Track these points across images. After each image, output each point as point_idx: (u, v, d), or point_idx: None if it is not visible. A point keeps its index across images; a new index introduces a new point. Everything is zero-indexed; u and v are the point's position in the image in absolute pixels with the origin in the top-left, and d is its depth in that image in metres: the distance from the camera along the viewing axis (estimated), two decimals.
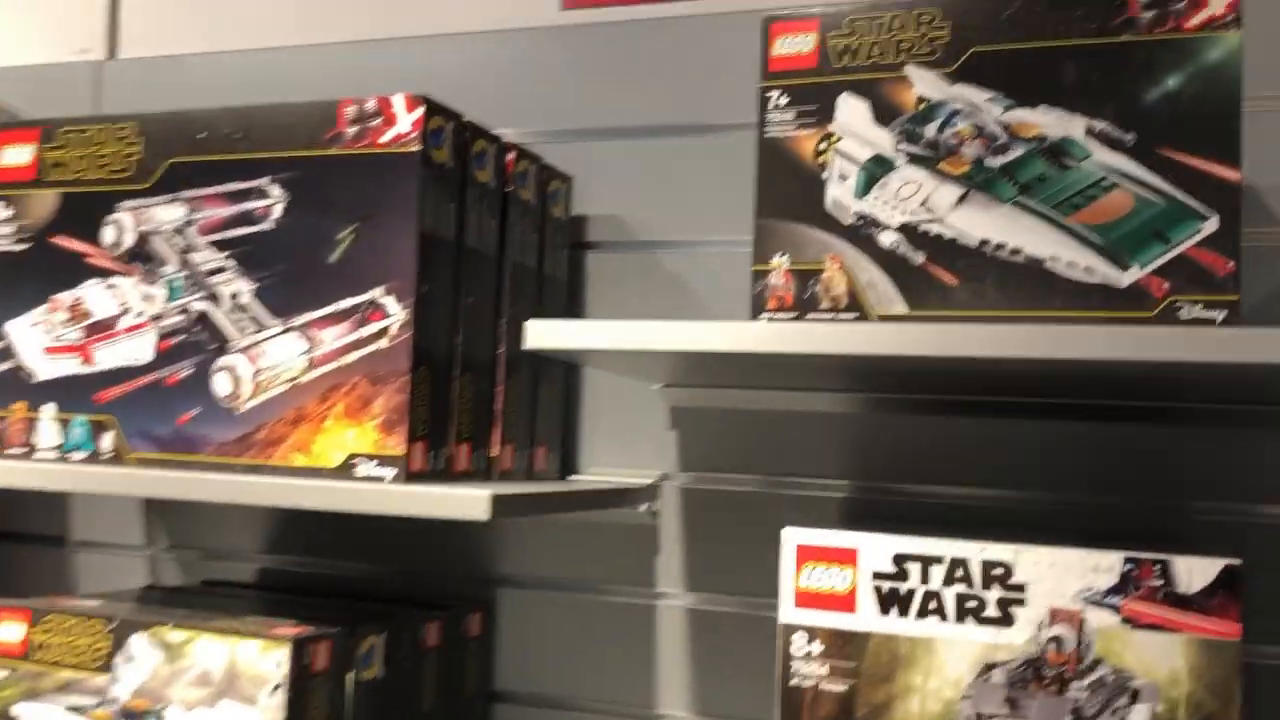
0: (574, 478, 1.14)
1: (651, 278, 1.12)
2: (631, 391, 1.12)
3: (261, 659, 0.87)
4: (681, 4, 1.14)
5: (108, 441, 0.95)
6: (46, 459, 0.96)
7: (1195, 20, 0.69)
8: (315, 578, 1.23)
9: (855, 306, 0.75)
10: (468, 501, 0.80)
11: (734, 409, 1.09)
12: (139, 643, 0.91)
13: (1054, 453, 0.99)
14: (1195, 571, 0.73)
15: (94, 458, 0.95)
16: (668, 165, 1.13)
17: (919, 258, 0.73)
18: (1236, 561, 0.72)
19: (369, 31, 1.26)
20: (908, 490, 1.03)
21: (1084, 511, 0.98)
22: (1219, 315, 0.67)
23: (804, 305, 0.76)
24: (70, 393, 0.96)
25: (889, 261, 0.74)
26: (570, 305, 1.15)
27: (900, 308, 0.74)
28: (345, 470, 0.87)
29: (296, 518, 1.24)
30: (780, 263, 0.77)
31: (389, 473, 0.86)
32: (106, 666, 0.92)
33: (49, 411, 0.97)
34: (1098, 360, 0.66)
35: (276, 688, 0.86)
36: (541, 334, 0.80)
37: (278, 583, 1.23)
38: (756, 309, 0.78)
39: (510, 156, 1.00)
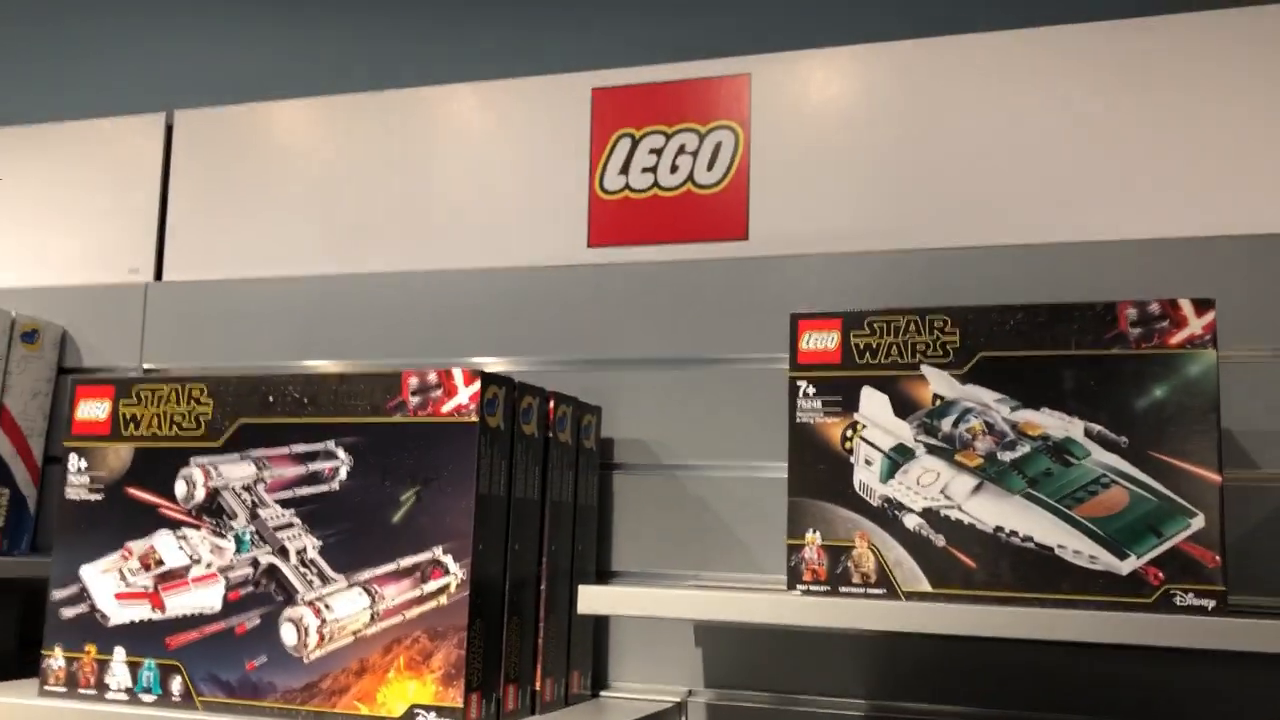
0: (605, 694, 1.20)
1: (674, 498, 1.21)
2: None
3: None
4: (709, 245, 1.25)
5: (177, 685, 1.01)
6: (118, 700, 1.02)
7: (1177, 338, 0.79)
8: None
9: (884, 583, 0.83)
10: None
11: (754, 627, 1.16)
12: None
13: (1054, 675, 1.06)
14: None
15: (164, 700, 1.01)
16: (687, 394, 1.22)
17: (940, 540, 0.82)
18: None
19: (404, 264, 1.36)
20: (918, 709, 1.10)
21: None
22: (1210, 604, 0.76)
23: (836, 579, 0.84)
24: (140, 637, 1.02)
25: (913, 542, 0.83)
26: (600, 523, 1.22)
27: (924, 585, 0.82)
28: None
29: None
30: (813, 538, 0.85)
31: None
32: None
33: (120, 655, 1.03)
34: (1105, 644, 0.75)
35: None
36: (593, 600, 0.88)
37: None
38: (793, 580, 0.86)
39: (550, 405, 1.09)
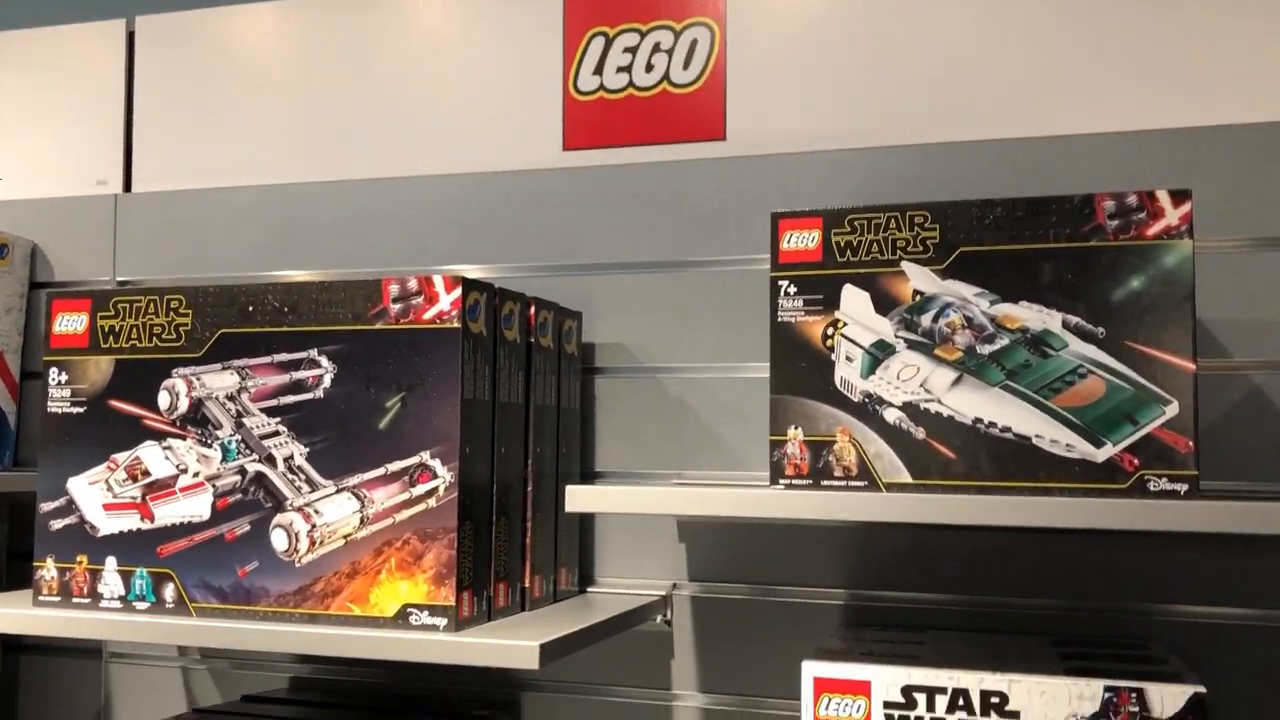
0: (592, 590, 1.23)
1: (655, 400, 1.22)
2: None
3: None
4: (686, 146, 1.24)
5: (170, 593, 1.02)
6: (112, 608, 1.03)
7: (1154, 229, 0.80)
8: (344, 685, 1.30)
9: (865, 475, 0.85)
10: (519, 652, 0.89)
11: (737, 522, 1.18)
12: None
13: (1035, 563, 1.10)
14: (1167, 699, 0.83)
15: (157, 607, 1.02)
16: (667, 297, 1.22)
17: (920, 433, 0.84)
18: (1203, 690, 0.83)
19: (378, 170, 1.34)
20: (897, 597, 1.13)
21: (1058, 616, 1.09)
22: (1182, 488, 0.78)
23: (818, 473, 0.86)
24: (131, 547, 1.03)
25: (894, 436, 0.84)
26: (583, 428, 1.24)
27: (905, 477, 0.84)
28: (401, 620, 0.95)
29: None
30: (795, 434, 0.86)
31: (441, 622, 0.94)
32: None
33: (111, 564, 1.04)
34: (1081, 529, 0.77)
35: None
36: (581, 499, 0.89)
37: (310, 694, 1.31)
38: (775, 475, 0.88)
39: (531, 311, 1.09)
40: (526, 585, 1.07)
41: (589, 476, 1.24)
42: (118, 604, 1.04)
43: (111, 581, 1.04)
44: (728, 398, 1.19)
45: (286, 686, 1.33)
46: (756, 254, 1.19)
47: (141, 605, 1.03)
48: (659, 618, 1.19)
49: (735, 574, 1.18)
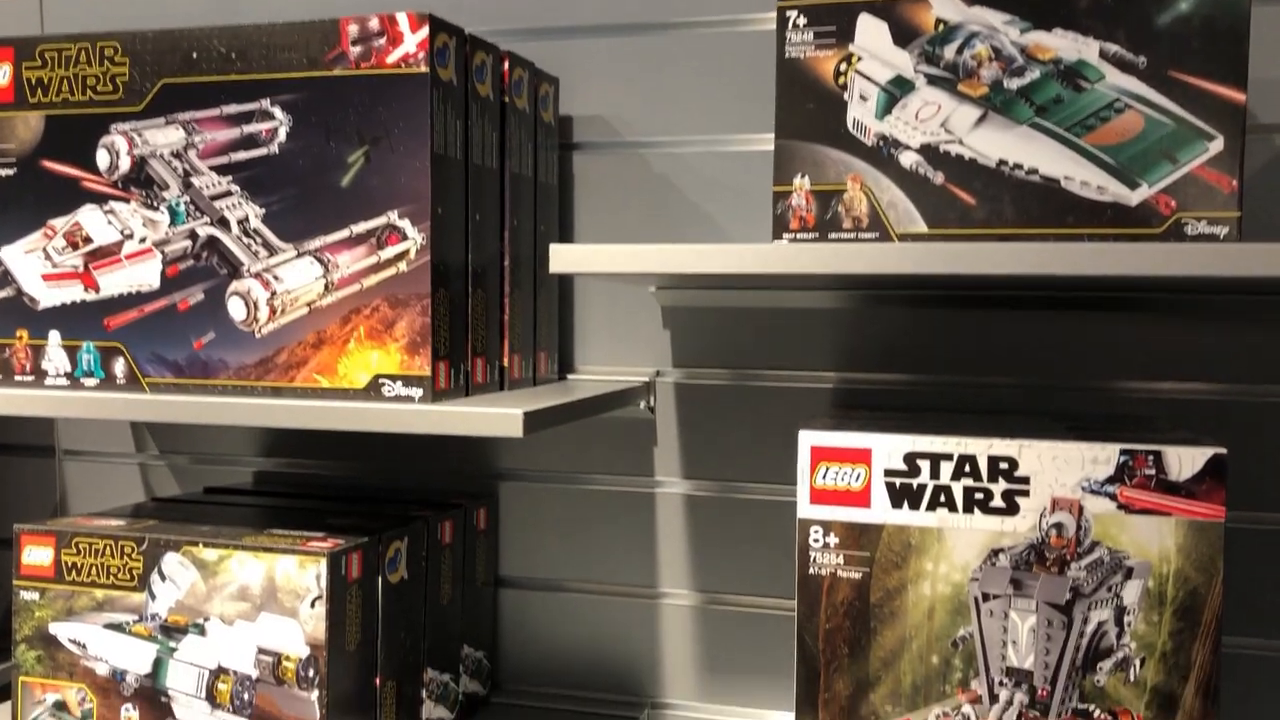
0: (572, 377, 1.17)
1: (638, 177, 1.14)
2: (624, 294, 1.15)
3: (300, 574, 0.90)
4: None
5: (120, 368, 0.95)
6: (59, 385, 0.96)
7: None
8: (310, 479, 1.25)
9: (877, 226, 0.78)
10: (503, 420, 0.83)
11: (723, 307, 1.12)
12: (172, 561, 0.93)
13: (1035, 341, 1.05)
14: (1185, 460, 0.80)
15: (107, 384, 0.95)
16: (650, 64, 1.13)
17: (938, 178, 0.77)
18: (1223, 450, 0.79)
19: None
20: (890, 379, 1.09)
21: (1065, 394, 1.05)
22: (1222, 231, 0.72)
23: (825, 225, 0.79)
24: (75, 319, 0.96)
25: (909, 182, 0.77)
26: (562, 208, 1.16)
27: (920, 227, 0.77)
28: (373, 391, 0.89)
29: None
30: (801, 184, 0.79)
31: (417, 392, 0.88)
32: (141, 585, 0.94)
33: (55, 339, 0.96)
34: (1109, 276, 0.71)
35: (317, 600, 0.90)
36: (566, 258, 0.82)
37: (274, 486, 1.26)
38: (779, 229, 0.81)
39: (505, 66, 0.99)
40: (505, 364, 1.01)
41: None
42: (64, 381, 0.97)
43: (56, 357, 0.97)
44: (716, 173, 1.11)
45: (250, 481, 1.27)
46: (747, 12, 1.09)
47: (90, 382, 0.96)
48: (642, 403, 1.14)
49: (720, 360, 1.13)
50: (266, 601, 0.91)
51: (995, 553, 0.83)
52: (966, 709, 0.84)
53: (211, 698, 0.92)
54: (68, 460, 1.33)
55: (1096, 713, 0.82)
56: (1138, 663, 0.81)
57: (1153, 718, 0.81)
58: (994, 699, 0.83)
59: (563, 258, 0.82)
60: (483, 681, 1.17)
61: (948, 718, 0.84)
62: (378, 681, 0.97)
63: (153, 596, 0.94)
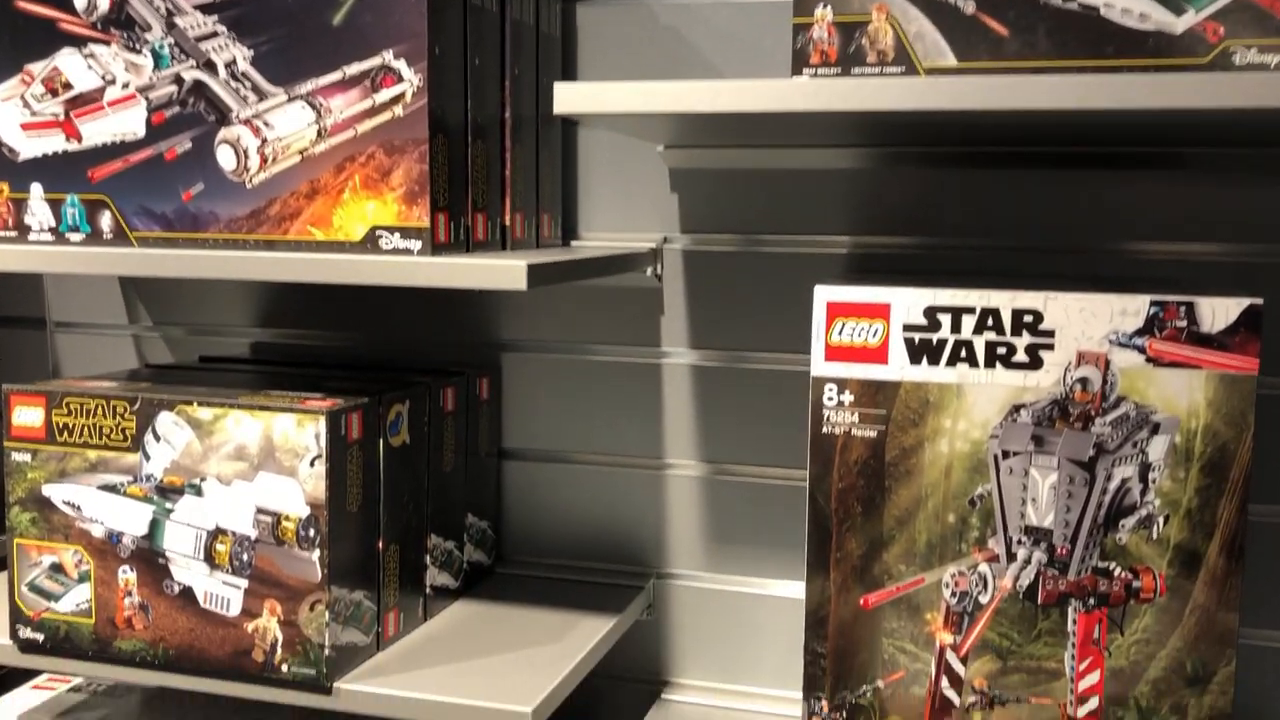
0: (576, 243, 1.13)
1: (645, 30, 1.08)
2: (630, 155, 1.10)
3: (299, 432, 0.87)
4: None
5: (107, 221, 0.91)
6: (43, 240, 0.93)
7: None
8: (309, 349, 1.22)
9: (903, 60, 0.74)
10: (506, 272, 0.79)
11: (733, 169, 1.08)
12: (166, 421, 0.91)
13: (1057, 203, 1.01)
14: (1218, 311, 0.76)
15: (94, 238, 0.92)
16: None
17: (969, 6, 0.72)
18: (1259, 301, 0.75)
19: None
20: (904, 243, 1.05)
21: (1091, 260, 1.01)
22: (1274, 60, 0.68)
23: (848, 60, 0.75)
24: (58, 171, 0.91)
25: (938, 11, 0.73)
26: (564, 63, 1.11)
27: (949, 60, 0.73)
28: (370, 244, 0.85)
29: (287, 291, 1.22)
30: (823, 14, 0.74)
31: (415, 245, 0.84)
32: (135, 446, 0.92)
33: (37, 192, 0.92)
34: (1153, 110, 0.67)
35: (316, 459, 0.87)
36: (571, 99, 0.78)
37: (272, 356, 1.23)
38: (798, 65, 0.76)
39: None
40: (507, 223, 0.97)
41: (570, 121, 1.12)
42: (49, 236, 0.93)
43: (39, 211, 0.93)
44: (727, 25, 1.06)
45: (247, 353, 1.24)
46: None
47: (76, 237, 0.92)
48: (648, 270, 1.10)
49: (730, 225, 1.09)
50: (264, 461, 0.89)
51: (1016, 409, 0.80)
52: (983, 568, 0.82)
53: (210, 559, 0.91)
54: (59, 333, 1.30)
55: (1117, 571, 0.80)
56: (1161, 520, 0.78)
57: (1175, 576, 0.79)
58: (1011, 558, 0.81)
59: (568, 98, 0.78)
60: (487, 552, 1.15)
61: (963, 577, 0.82)
62: (380, 545, 0.95)
63: (147, 457, 0.91)
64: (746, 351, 1.10)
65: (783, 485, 1.11)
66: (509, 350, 1.17)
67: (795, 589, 1.11)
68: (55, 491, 0.94)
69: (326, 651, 0.88)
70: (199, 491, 0.90)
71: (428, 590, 1.03)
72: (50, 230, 0.92)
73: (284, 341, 1.23)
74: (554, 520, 1.17)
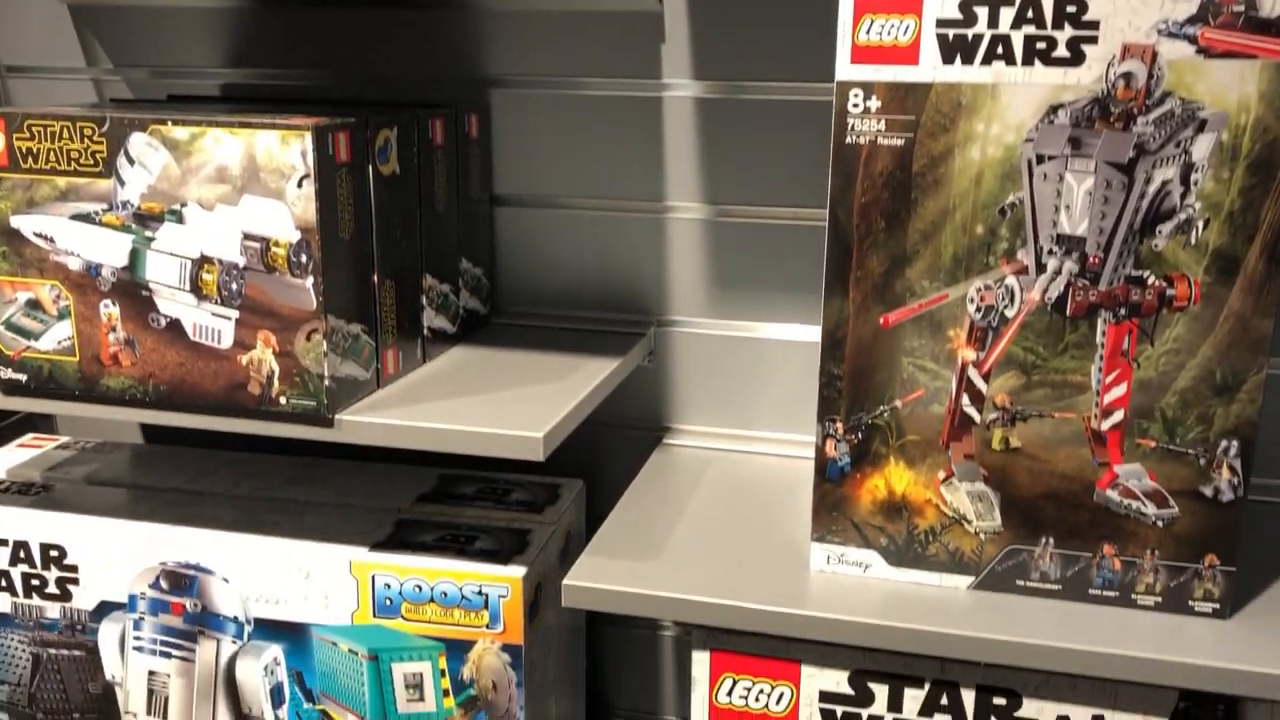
0: None
1: None
2: None
3: (284, 150, 0.81)
4: None
5: None
6: None
7: None
8: (285, 89, 1.15)
9: None
10: None
11: None
12: (139, 143, 0.84)
13: None
14: None
15: None
16: None
17: None
18: None
19: None
20: None
21: None
22: None
23: None
24: None
25: None
26: None
27: None
28: None
29: (260, 25, 1.13)
30: None
31: None
32: (107, 171, 0.85)
33: None
34: None
35: (304, 178, 0.82)
36: None
37: (247, 95, 1.15)
38: None
39: None
40: None
41: None
42: None
43: None
44: None
45: (218, 92, 1.16)
46: None
47: None
48: None
49: None
50: (248, 183, 0.83)
51: (1054, 109, 0.75)
52: (1010, 280, 0.79)
53: (196, 289, 0.86)
54: (12, 78, 1.21)
55: (1151, 280, 0.77)
56: (1200, 224, 0.75)
57: (1210, 283, 0.76)
58: (1040, 269, 0.78)
59: None
60: (483, 300, 1.11)
61: (990, 291, 0.79)
62: (375, 279, 0.90)
63: (121, 183, 0.85)
64: (755, 81, 1.04)
65: (790, 225, 1.06)
66: (498, 86, 1.10)
67: (799, 332, 1.08)
68: (24, 223, 0.88)
69: (326, 382, 0.85)
70: (180, 218, 0.85)
71: (425, 332, 0.99)
72: None
73: (258, 81, 1.15)
74: (550, 268, 1.13)
